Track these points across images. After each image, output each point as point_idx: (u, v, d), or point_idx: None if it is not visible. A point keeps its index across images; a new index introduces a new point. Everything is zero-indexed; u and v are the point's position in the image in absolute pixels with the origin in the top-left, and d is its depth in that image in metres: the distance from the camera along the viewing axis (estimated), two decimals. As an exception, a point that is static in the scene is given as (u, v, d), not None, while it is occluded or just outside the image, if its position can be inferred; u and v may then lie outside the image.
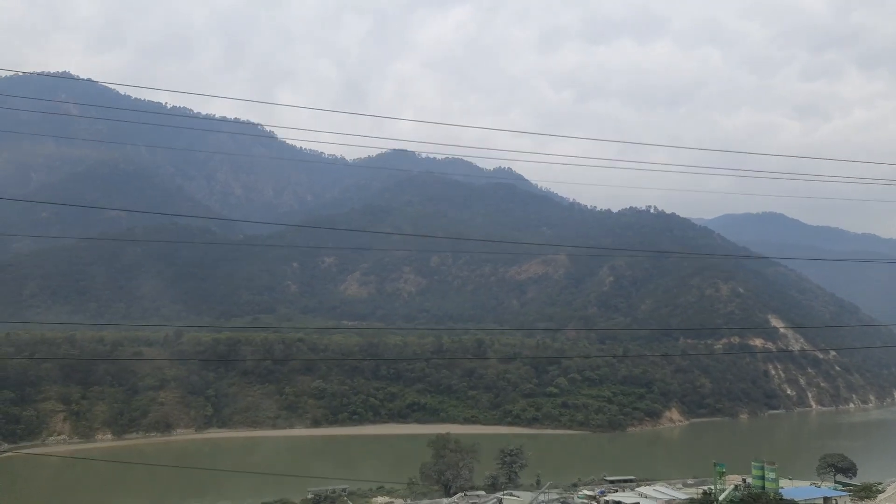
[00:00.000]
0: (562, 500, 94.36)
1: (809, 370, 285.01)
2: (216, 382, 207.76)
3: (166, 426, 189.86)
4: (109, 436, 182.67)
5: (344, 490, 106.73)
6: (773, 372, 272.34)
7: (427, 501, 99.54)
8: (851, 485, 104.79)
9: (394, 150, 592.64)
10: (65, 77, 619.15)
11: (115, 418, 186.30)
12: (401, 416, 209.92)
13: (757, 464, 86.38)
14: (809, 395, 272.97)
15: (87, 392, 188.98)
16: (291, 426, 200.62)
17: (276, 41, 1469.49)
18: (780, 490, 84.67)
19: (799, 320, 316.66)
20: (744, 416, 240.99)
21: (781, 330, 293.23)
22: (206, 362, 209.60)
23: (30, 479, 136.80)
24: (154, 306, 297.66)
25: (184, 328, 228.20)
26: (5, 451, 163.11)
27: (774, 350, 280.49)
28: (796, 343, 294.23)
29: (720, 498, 78.06)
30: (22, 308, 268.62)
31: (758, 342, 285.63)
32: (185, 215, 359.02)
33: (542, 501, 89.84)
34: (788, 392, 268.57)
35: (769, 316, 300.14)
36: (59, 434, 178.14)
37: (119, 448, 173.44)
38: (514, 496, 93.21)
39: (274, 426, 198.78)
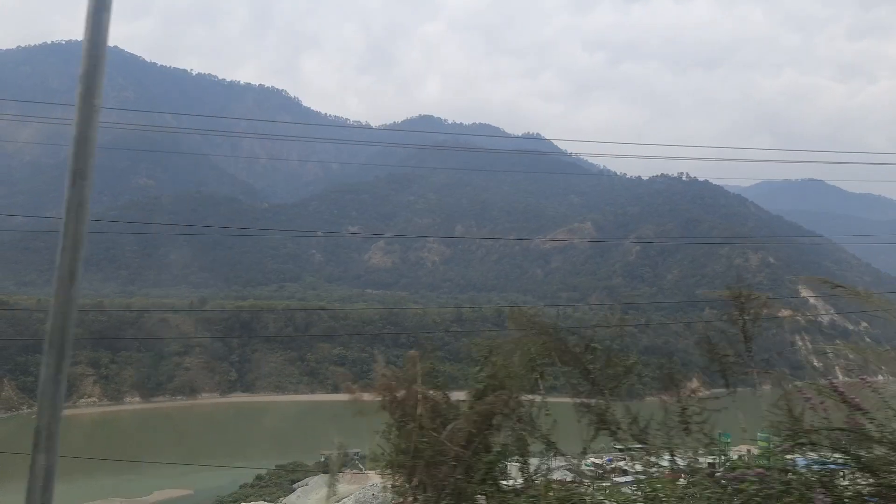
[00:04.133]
0: (567, 466, 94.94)
1: (838, 341, 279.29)
2: (239, 349, 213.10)
3: (192, 390, 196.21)
4: (138, 398, 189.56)
5: (357, 453, 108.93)
6: (800, 343, 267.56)
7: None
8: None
9: (420, 115, 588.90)
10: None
11: (142, 382, 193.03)
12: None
13: (762, 434, 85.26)
14: (837, 366, 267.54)
15: (116, 357, 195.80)
16: (313, 391, 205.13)
17: (302, 5, 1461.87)
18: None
19: (831, 291, 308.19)
20: (766, 387, 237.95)
21: (811, 300, 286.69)
22: (229, 329, 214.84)
23: (63, 438, 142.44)
24: (183, 274, 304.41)
25: (207, 301, 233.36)
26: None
27: (802, 321, 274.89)
28: (826, 314, 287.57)
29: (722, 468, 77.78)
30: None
31: (785, 313, 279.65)
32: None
33: (547, 468, 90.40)
34: (815, 364, 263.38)
35: (800, 286, 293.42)
36: (89, 397, 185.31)
37: (146, 410, 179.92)
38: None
39: (296, 391, 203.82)
